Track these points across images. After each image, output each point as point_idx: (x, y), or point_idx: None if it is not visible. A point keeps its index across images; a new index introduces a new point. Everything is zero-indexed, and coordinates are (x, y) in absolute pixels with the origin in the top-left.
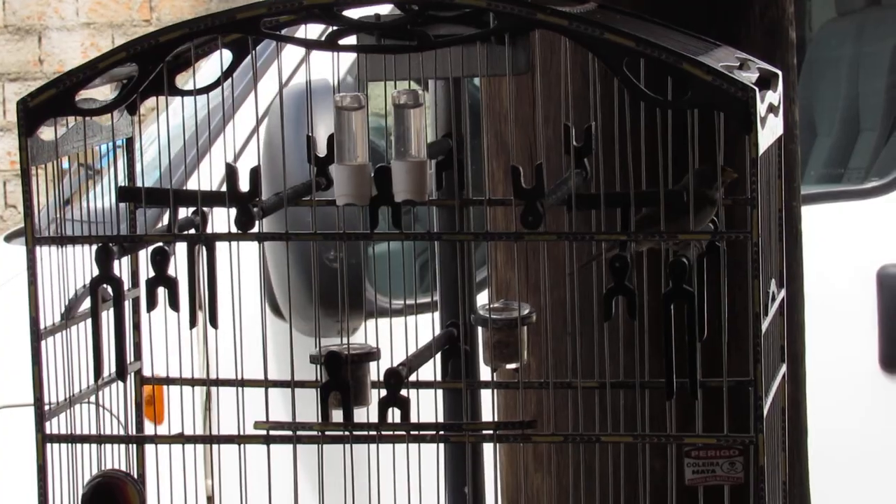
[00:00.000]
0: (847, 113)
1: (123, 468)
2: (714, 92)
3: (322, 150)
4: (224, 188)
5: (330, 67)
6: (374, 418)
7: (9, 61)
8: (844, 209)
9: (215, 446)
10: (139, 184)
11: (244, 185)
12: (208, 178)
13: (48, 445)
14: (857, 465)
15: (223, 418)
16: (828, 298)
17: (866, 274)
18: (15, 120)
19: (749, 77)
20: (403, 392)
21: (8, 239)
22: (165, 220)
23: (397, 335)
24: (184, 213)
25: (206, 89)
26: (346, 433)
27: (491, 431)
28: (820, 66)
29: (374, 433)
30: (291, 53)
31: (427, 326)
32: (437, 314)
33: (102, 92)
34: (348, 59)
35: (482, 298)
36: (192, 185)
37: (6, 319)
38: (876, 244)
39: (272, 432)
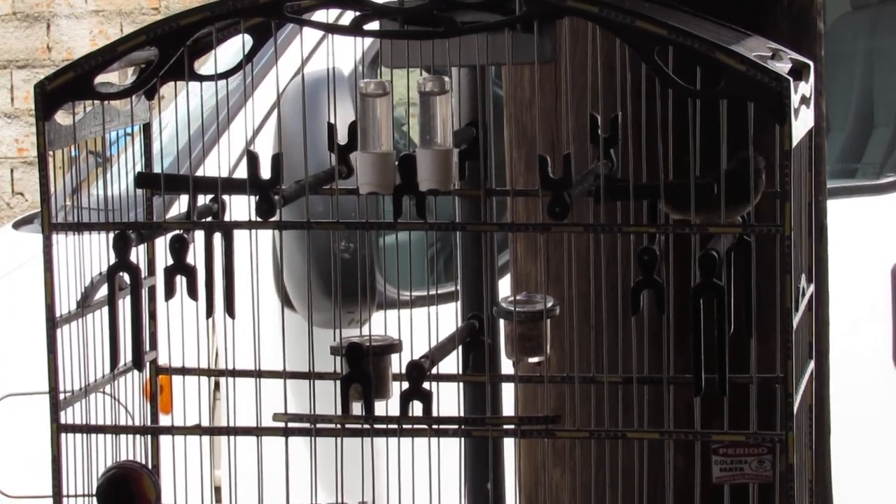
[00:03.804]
0: (861, 108)
1: (134, 458)
2: (747, 82)
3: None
4: (237, 174)
5: (337, 55)
6: (393, 411)
7: (17, 48)
8: (858, 205)
9: (227, 438)
10: (156, 170)
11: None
12: (220, 164)
13: (62, 435)
14: (869, 462)
15: (230, 409)
16: (841, 294)
17: (880, 270)
18: (23, 107)
19: (782, 67)
20: (425, 385)
21: (17, 226)
22: (176, 206)
23: (406, 326)
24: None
25: (227, 74)
26: (367, 426)
27: (514, 426)
28: (834, 61)
29: (396, 426)
30: (303, 40)
31: (436, 318)
32: (458, 305)
33: (112, 77)
34: (359, 45)
35: (504, 283)
36: (202, 171)
37: (15, 307)
38: (890, 240)
39: (290, 424)
